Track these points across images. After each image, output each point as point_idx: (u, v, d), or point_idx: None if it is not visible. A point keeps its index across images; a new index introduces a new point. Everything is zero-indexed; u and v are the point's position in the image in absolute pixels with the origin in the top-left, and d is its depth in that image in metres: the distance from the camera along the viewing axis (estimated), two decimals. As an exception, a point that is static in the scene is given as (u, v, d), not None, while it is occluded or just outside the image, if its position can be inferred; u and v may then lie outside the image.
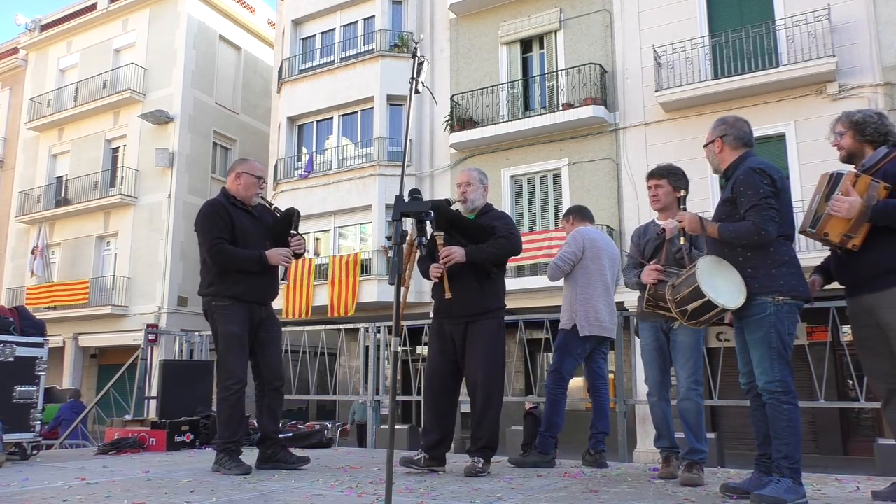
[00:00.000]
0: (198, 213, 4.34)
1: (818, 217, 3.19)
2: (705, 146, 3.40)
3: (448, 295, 4.04)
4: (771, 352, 3.03)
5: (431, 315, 4.41)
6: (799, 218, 3.35)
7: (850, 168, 3.27)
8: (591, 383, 4.82)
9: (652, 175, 4.13)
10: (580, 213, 5.03)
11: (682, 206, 3.53)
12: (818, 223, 3.17)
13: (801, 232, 3.24)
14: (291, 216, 4.47)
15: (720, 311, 3.17)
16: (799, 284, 3.10)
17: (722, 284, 3.14)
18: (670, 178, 4.01)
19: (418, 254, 3.94)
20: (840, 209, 3.08)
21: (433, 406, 4.22)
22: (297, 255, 4.50)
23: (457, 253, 4.05)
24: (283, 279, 4.90)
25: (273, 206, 4.60)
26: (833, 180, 3.22)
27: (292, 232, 4.44)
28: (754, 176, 3.11)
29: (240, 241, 4.25)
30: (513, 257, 4.34)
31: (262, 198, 4.50)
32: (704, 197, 12.59)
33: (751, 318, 3.10)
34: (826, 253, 3.43)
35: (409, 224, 3.38)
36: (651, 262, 3.93)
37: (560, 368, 4.60)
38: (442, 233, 4.11)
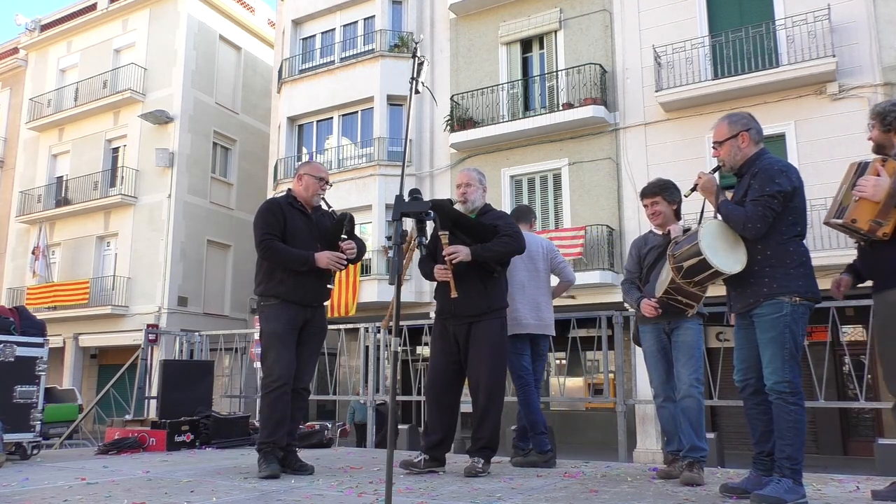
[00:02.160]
0: (256, 212, 4.38)
1: (843, 208, 3.14)
2: (725, 140, 3.29)
3: (454, 294, 4.04)
4: (783, 352, 3.02)
5: (433, 316, 4.41)
6: (821, 214, 3.32)
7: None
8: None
9: (645, 194, 4.20)
10: (516, 216, 4.99)
11: (717, 167, 3.43)
12: (844, 213, 3.12)
13: (825, 223, 3.20)
14: (343, 221, 4.40)
15: (715, 273, 3.19)
16: (813, 285, 3.11)
17: (723, 249, 3.16)
18: (663, 195, 4.12)
19: (417, 252, 3.95)
20: (866, 188, 3.05)
21: (436, 406, 4.22)
22: (350, 261, 4.38)
23: (461, 251, 4.05)
24: (328, 284, 4.75)
25: (331, 210, 4.55)
26: (860, 168, 3.19)
27: (343, 237, 4.36)
28: (772, 172, 3.10)
29: (289, 240, 4.24)
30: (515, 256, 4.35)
31: (324, 199, 4.47)
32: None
33: (765, 318, 3.08)
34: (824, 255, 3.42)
35: (409, 224, 3.38)
36: (655, 266, 4.00)
37: (511, 370, 4.68)
38: (446, 232, 4.11)
